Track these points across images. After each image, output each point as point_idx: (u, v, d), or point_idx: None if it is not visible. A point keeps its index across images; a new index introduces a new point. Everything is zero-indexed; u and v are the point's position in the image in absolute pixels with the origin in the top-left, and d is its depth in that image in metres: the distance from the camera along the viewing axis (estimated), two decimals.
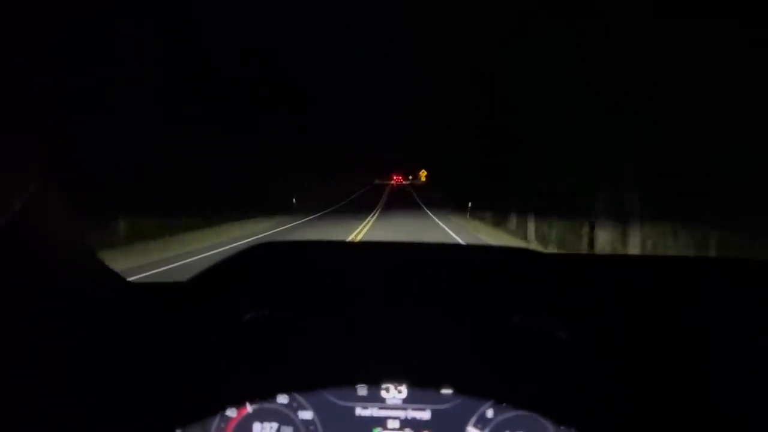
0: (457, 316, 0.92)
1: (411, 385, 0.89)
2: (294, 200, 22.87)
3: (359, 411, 0.90)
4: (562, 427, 0.86)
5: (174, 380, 0.84)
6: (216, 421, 0.88)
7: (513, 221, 17.65)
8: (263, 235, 14.76)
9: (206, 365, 0.87)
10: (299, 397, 0.89)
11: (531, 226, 15.07)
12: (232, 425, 0.89)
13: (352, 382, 0.89)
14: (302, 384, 0.89)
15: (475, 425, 0.88)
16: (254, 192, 22.81)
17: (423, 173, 52.03)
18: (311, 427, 0.89)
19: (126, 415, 0.79)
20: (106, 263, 0.88)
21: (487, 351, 0.89)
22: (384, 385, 0.90)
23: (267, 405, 0.90)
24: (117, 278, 0.91)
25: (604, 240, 9.78)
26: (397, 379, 0.89)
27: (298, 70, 38.02)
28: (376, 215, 22.57)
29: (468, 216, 20.90)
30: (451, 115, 23.56)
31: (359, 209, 26.75)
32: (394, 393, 0.90)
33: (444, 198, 30.04)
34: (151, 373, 0.83)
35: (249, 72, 25.41)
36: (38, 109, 0.74)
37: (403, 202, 35.06)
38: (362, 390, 0.90)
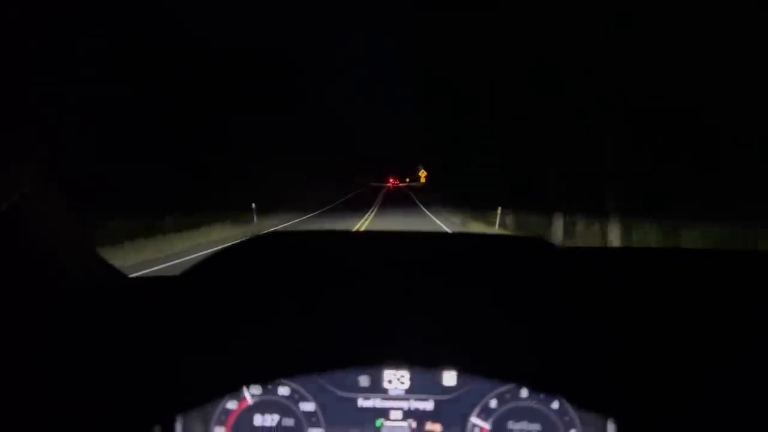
0: (461, 301, 0.87)
1: (413, 366, 0.87)
2: (253, 206, 17.51)
3: (361, 402, 0.88)
4: (566, 417, 0.86)
5: (174, 371, 0.82)
6: (216, 414, 0.88)
7: (558, 229, 12.46)
8: (182, 260, 9.27)
9: (206, 355, 0.83)
10: (301, 389, 0.89)
11: (614, 233, 9.81)
12: (232, 417, 0.89)
13: (355, 364, 0.87)
14: (303, 372, 0.88)
15: (479, 416, 0.87)
16: (236, 193, 19.80)
17: (422, 173, 45.23)
18: (313, 419, 0.88)
19: (126, 404, 0.78)
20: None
21: (491, 335, 0.84)
22: (386, 376, 0.89)
23: (268, 397, 0.89)
24: (117, 274, 0.94)
25: None
26: (398, 361, 0.87)
27: (296, 72, 37.82)
28: (369, 219, 17.58)
29: (497, 226, 15.49)
30: (460, 106, 19.58)
31: (353, 211, 22.42)
32: (397, 384, 0.88)
33: (451, 200, 24.77)
34: (150, 364, 0.81)
35: (246, 73, 25.18)
36: (37, 109, 0.78)
37: (400, 204, 29.70)
38: (364, 381, 0.88)
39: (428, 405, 0.87)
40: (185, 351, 0.82)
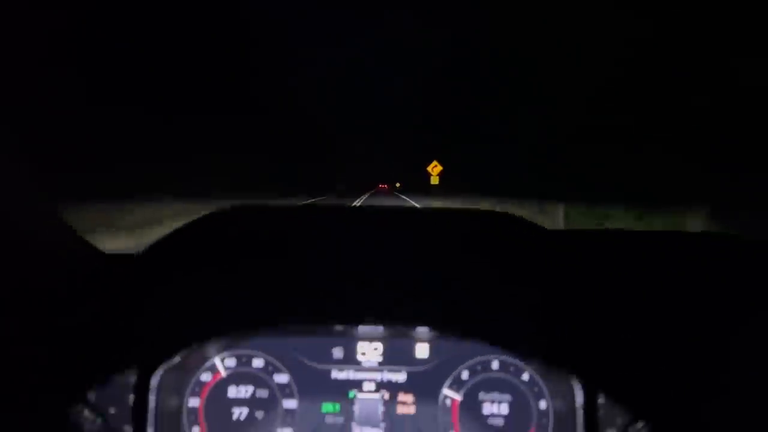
0: (434, 264, 0.90)
1: (387, 324, 0.88)
2: None
3: (335, 374, 0.92)
4: (536, 388, 0.89)
5: (148, 335, 0.86)
6: (191, 386, 0.91)
7: None
8: None
9: (179, 324, 0.87)
10: (275, 361, 0.92)
11: None
12: (207, 389, 0.91)
13: (329, 322, 0.89)
14: (277, 333, 0.92)
15: (450, 387, 0.91)
16: None
17: (435, 168, 32.92)
18: (287, 390, 0.91)
19: (101, 363, 0.82)
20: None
21: (466, 298, 0.87)
22: (360, 348, 0.92)
23: (242, 369, 0.92)
24: (94, 250, 0.98)
25: None
26: (372, 318, 0.88)
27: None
28: None
29: None
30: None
31: None
32: (370, 355, 0.92)
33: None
34: (124, 328, 0.85)
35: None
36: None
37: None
38: (338, 352, 0.92)
39: (401, 377, 0.91)
40: (160, 314, 0.85)
